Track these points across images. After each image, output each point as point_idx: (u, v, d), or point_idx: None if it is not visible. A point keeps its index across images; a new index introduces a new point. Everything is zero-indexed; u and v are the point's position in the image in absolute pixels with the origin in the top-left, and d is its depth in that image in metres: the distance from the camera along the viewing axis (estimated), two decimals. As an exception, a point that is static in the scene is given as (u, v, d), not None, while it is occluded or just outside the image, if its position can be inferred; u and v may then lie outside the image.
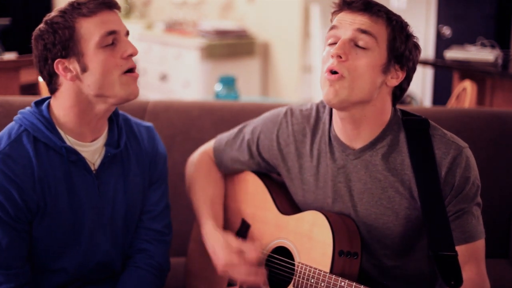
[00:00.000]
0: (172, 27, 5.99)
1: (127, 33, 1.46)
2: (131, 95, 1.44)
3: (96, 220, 1.51)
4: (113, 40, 1.41)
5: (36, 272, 1.49)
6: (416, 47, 1.43)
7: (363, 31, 1.36)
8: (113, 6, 1.43)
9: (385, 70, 1.38)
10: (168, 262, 1.66)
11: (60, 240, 1.48)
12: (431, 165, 1.39)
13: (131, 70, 1.43)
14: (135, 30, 6.04)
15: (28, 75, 3.69)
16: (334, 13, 1.43)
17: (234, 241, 1.53)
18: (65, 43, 1.39)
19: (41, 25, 1.42)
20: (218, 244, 1.54)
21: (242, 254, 1.50)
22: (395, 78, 1.41)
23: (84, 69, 1.40)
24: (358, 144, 1.45)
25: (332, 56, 1.36)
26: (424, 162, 1.40)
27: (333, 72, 1.36)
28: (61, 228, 1.47)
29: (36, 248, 1.47)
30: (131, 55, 1.43)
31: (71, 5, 1.41)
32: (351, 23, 1.38)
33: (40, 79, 2.83)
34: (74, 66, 1.40)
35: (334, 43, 1.39)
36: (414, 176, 1.40)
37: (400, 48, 1.39)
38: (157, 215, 1.63)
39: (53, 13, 1.42)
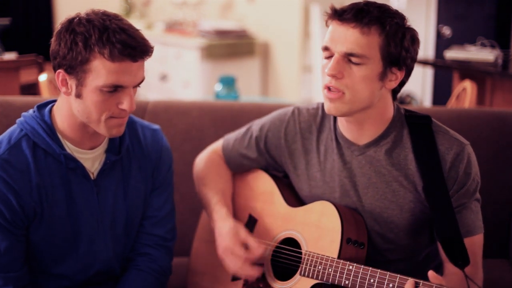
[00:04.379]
0: (172, 27, 5.98)
1: (141, 82, 1.40)
2: (113, 135, 1.42)
3: (96, 227, 1.50)
4: (116, 88, 1.36)
5: (38, 275, 1.49)
6: (414, 41, 1.41)
7: (353, 55, 1.36)
8: (139, 57, 1.35)
9: (383, 76, 1.40)
10: (170, 266, 1.65)
11: (58, 246, 1.47)
12: (435, 159, 1.42)
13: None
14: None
15: (28, 75, 3.69)
16: (328, 19, 1.42)
17: (243, 232, 1.55)
18: (73, 64, 1.34)
19: (65, 27, 1.34)
20: (227, 229, 1.56)
21: (245, 248, 1.52)
22: (393, 80, 1.42)
23: (78, 96, 1.37)
24: (362, 141, 1.49)
25: (328, 75, 1.38)
26: (428, 156, 1.43)
27: (332, 90, 1.39)
28: (59, 234, 1.46)
29: (35, 253, 1.47)
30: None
31: (101, 33, 1.31)
32: (343, 41, 1.37)
33: (40, 79, 2.84)
34: (71, 84, 1.37)
35: (330, 57, 1.40)
36: (418, 169, 1.44)
37: (396, 52, 1.38)
38: (159, 221, 1.62)
39: (83, 26, 1.32)
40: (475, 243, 1.43)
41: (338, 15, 1.38)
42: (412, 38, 1.41)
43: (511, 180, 2.05)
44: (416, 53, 1.43)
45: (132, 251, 1.61)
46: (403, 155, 1.46)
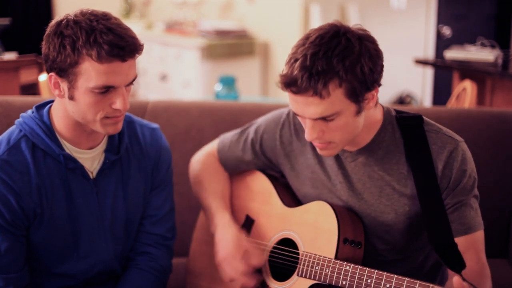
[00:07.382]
0: (172, 27, 5.99)
1: (133, 80, 1.39)
2: (110, 133, 1.42)
3: (96, 227, 1.50)
4: (107, 89, 1.34)
5: (39, 275, 1.49)
6: (371, 57, 1.31)
7: (323, 118, 1.32)
8: (128, 57, 1.34)
9: (359, 111, 1.35)
10: (170, 265, 1.65)
11: (58, 246, 1.47)
12: (428, 161, 1.41)
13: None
14: (135, 30, 6.04)
15: (28, 75, 3.69)
16: (282, 87, 1.33)
17: (245, 241, 1.56)
18: (63, 67, 1.33)
19: (53, 30, 1.34)
20: (229, 237, 1.56)
21: (246, 256, 1.54)
22: (371, 101, 1.37)
23: (71, 98, 1.36)
24: (354, 148, 1.48)
25: (309, 141, 1.38)
26: (420, 158, 1.42)
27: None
28: (59, 234, 1.46)
29: (35, 253, 1.47)
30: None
31: (88, 35, 1.30)
32: (308, 110, 1.31)
33: (40, 79, 2.84)
34: (64, 87, 1.36)
35: (302, 116, 1.36)
36: (411, 174, 1.43)
37: (361, 85, 1.30)
38: (159, 220, 1.62)
39: (70, 28, 1.32)
40: (477, 239, 1.42)
41: (291, 86, 1.30)
42: (370, 57, 1.30)
43: (511, 180, 2.05)
44: (381, 61, 1.34)
45: (132, 251, 1.61)
46: (395, 159, 1.45)
